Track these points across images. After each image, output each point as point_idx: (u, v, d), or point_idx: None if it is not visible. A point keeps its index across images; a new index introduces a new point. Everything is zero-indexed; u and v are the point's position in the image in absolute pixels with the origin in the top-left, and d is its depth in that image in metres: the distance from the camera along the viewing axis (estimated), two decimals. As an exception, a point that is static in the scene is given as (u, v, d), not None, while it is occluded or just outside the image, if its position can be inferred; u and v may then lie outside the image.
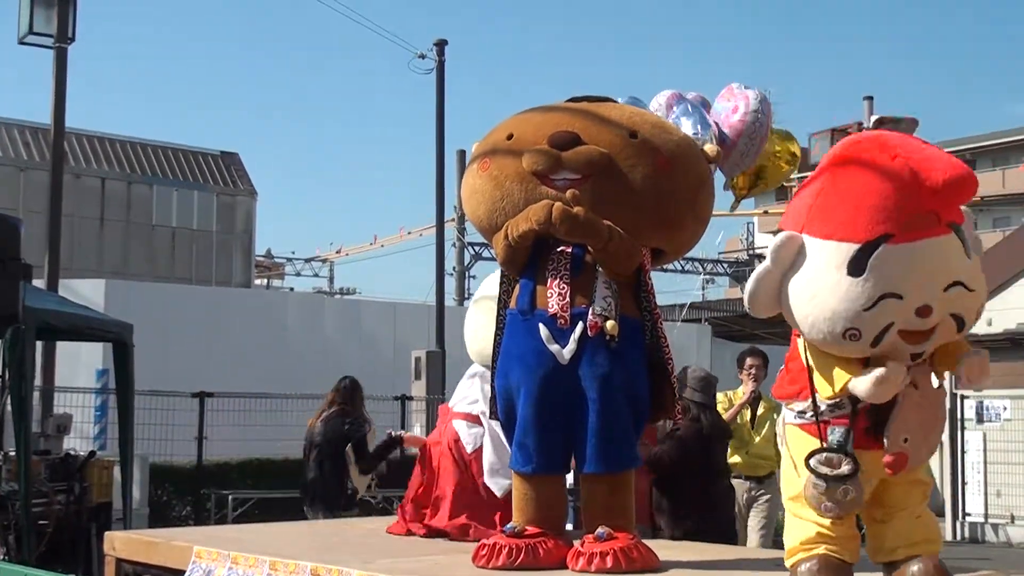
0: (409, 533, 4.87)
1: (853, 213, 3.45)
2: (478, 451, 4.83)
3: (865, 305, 3.38)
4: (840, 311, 3.41)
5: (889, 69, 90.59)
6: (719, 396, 9.09)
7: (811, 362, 3.55)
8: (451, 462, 4.88)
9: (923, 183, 3.38)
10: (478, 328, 4.75)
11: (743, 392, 8.76)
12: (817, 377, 3.54)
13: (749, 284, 3.58)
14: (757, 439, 8.48)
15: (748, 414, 8.55)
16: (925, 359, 3.49)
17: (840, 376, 3.50)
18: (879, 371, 3.41)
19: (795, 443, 3.62)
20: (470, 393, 4.96)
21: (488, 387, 4.18)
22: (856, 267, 3.40)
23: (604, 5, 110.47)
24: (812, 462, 3.49)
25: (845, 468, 3.45)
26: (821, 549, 3.59)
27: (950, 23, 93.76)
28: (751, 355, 9.04)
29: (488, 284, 4.95)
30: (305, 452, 9.02)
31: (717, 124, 4.31)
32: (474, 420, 4.88)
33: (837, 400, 3.52)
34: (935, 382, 3.54)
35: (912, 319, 3.37)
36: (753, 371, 8.75)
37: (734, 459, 8.32)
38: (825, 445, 3.49)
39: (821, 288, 3.46)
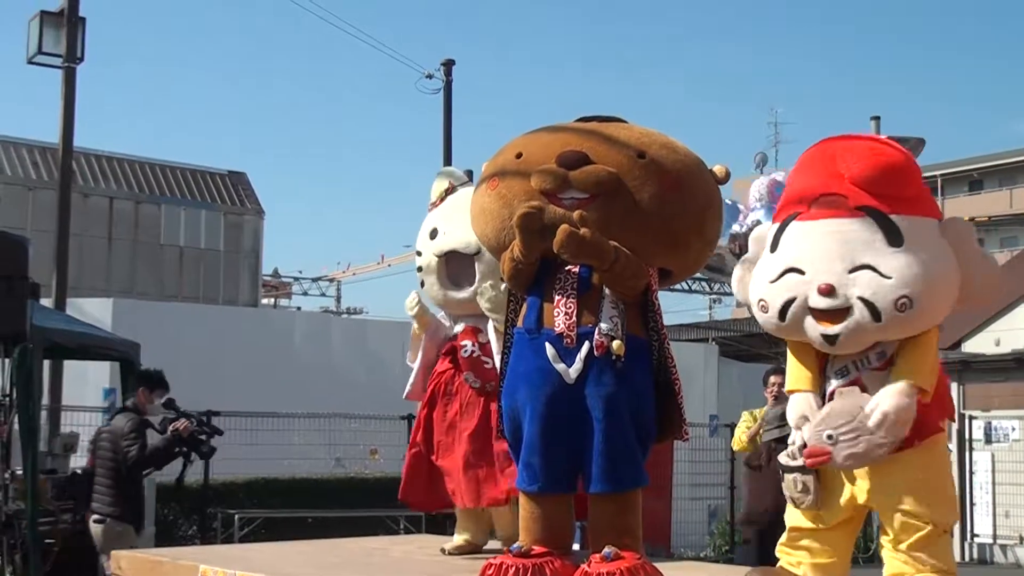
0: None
1: (787, 196, 3.73)
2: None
3: (771, 277, 3.59)
4: (756, 285, 3.67)
5: (896, 89, 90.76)
6: (744, 415, 9.21)
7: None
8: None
9: (834, 168, 3.56)
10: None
11: (767, 410, 8.99)
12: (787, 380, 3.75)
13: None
14: None
15: None
16: (881, 367, 3.54)
17: (788, 382, 3.72)
18: (798, 398, 3.65)
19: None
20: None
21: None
22: (773, 244, 3.65)
23: (613, 26, 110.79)
24: (781, 456, 3.70)
25: (800, 460, 3.59)
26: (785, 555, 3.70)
27: (956, 44, 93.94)
28: (774, 373, 9.17)
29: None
30: None
31: None
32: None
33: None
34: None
35: (816, 297, 3.48)
36: (776, 388, 8.92)
37: None
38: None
39: (756, 268, 3.74)
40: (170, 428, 8.18)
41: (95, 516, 8.22)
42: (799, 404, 3.62)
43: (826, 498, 3.64)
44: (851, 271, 3.45)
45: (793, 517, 3.75)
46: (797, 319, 3.53)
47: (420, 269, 5.01)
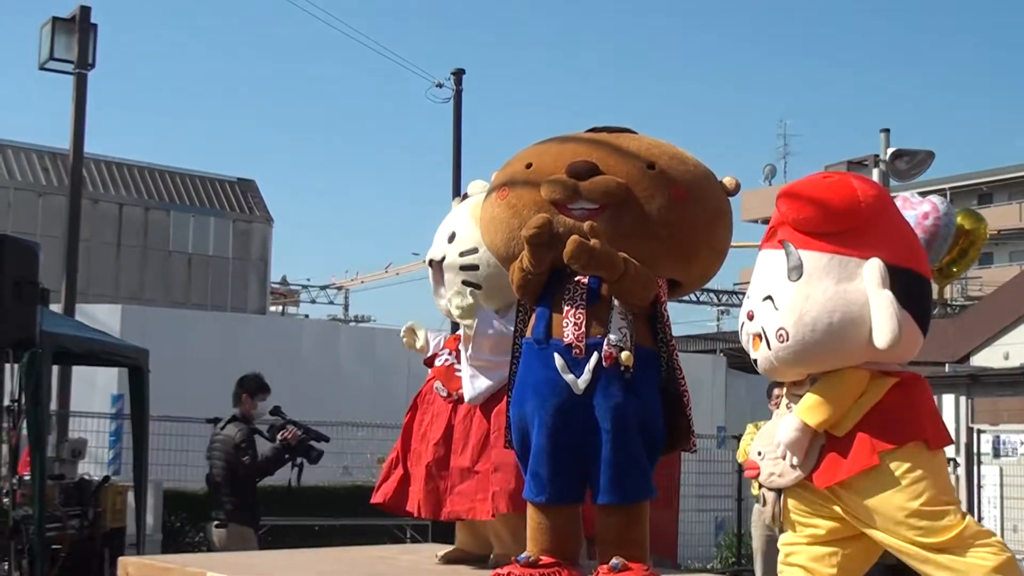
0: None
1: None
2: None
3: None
4: None
5: (905, 102, 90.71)
6: (749, 427, 9.17)
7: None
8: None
9: (777, 203, 3.73)
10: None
11: None
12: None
13: None
14: None
15: None
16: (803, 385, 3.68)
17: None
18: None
19: None
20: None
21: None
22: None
23: (624, 36, 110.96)
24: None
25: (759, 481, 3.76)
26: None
27: (965, 57, 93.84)
28: (778, 386, 9.11)
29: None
30: None
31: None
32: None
33: None
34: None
35: (747, 322, 3.72)
36: (780, 400, 8.85)
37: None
38: None
39: None
40: (278, 437, 8.48)
41: (216, 521, 8.57)
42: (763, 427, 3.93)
43: (800, 515, 3.65)
44: (763, 299, 3.65)
45: (784, 541, 3.77)
46: (745, 341, 3.76)
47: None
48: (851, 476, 3.51)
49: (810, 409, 3.55)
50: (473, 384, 4.72)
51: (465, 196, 5.07)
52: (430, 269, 4.94)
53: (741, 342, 3.79)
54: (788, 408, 3.69)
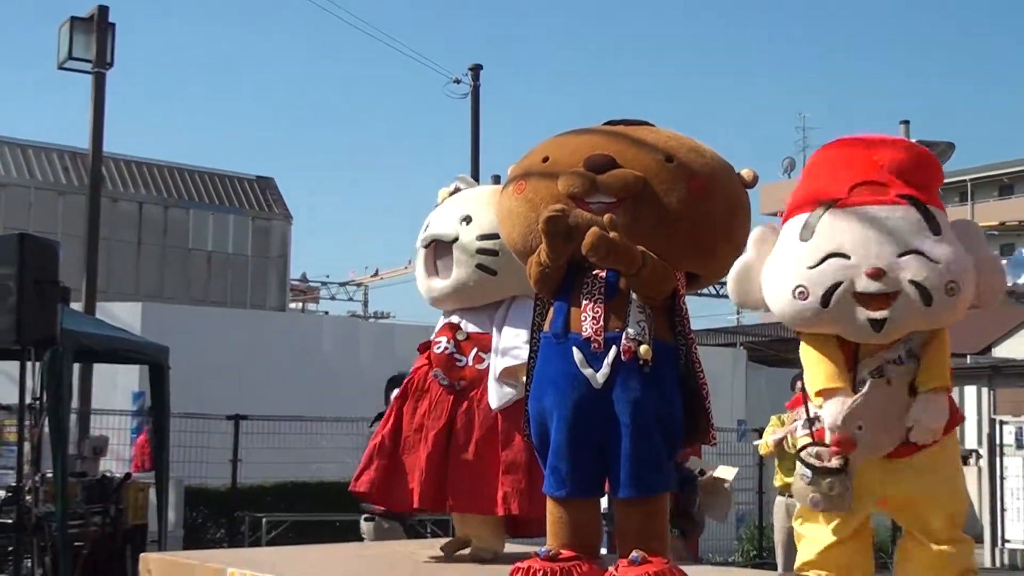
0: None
1: (813, 189, 3.70)
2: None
3: (810, 264, 3.54)
4: (790, 273, 3.60)
5: (925, 94, 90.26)
6: (772, 419, 9.17)
7: (804, 363, 3.71)
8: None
9: (869, 158, 3.60)
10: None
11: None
12: (807, 379, 3.69)
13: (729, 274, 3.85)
14: None
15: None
16: (899, 361, 3.54)
17: (817, 380, 3.64)
18: (838, 400, 3.54)
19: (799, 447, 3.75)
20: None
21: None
22: (806, 232, 3.60)
23: (641, 29, 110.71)
24: (803, 454, 3.63)
25: (834, 462, 3.54)
26: (811, 573, 3.65)
27: (986, 47, 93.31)
28: (801, 379, 9.13)
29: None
30: None
31: None
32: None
33: (820, 407, 3.62)
34: (904, 393, 3.54)
35: (864, 281, 3.45)
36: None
37: (788, 480, 8.63)
38: (815, 441, 3.61)
39: (780, 260, 3.68)
40: None
41: (365, 515, 8.82)
42: (839, 404, 3.56)
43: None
44: (900, 255, 3.45)
45: (811, 535, 3.71)
46: (842, 305, 3.48)
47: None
48: (931, 447, 3.50)
49: (942, 376, 3.51)
50: (501, 390, 4.63)
51: (457, 190, 5.05)
52: (423, 250, 4.89)
53: (821, 305, 3.51)
54: (872, 377, 3.55)
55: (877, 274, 3.43)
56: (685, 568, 3.85)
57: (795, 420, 8.38)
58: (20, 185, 26.19)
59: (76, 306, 12.41)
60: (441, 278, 4.82)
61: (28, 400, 8.42)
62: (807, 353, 3.69)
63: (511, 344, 4.65)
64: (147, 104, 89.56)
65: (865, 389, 3.52)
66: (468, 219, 4.79)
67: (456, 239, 4.75)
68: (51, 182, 26.45)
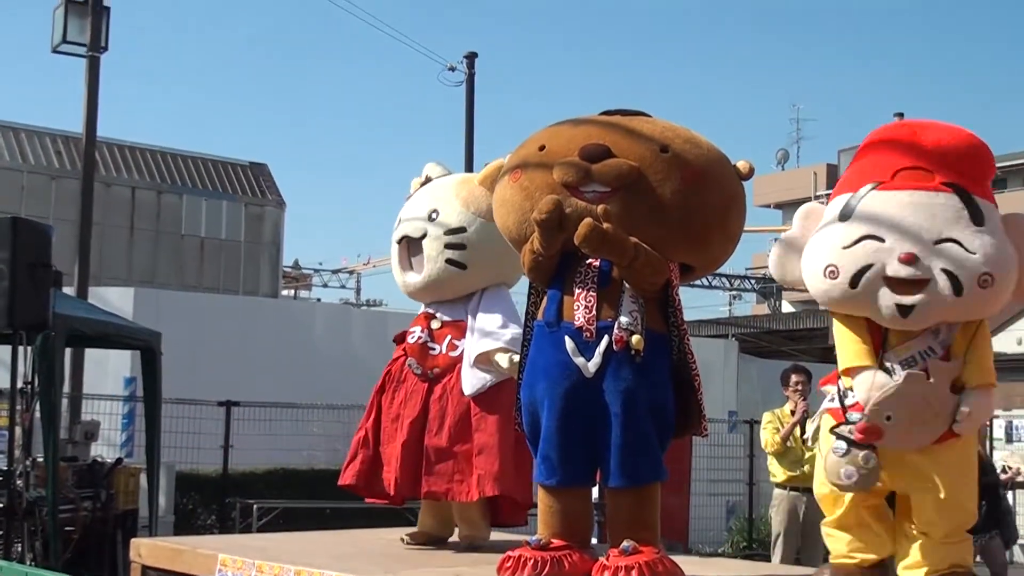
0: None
1: (860, 170, 3.67)
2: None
3: (844, 243, 3.51)
4: (824, 251, 3.56)
5: (919, 86, 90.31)
6: (766, 415, 9.14)
7: (836, 341, 3.65)
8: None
9: (917, 143, 3.55)
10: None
11: (789, 409, 8.97)
12: (838, 357, 3.63)
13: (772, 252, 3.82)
14: (809, 454, 8.63)
15: (799, 431, 8.70)
16: (943, 357, 3.50)
17: (846, 358, 3.58)
18: (868, 374, 3.49)
19: (827, 427, 3.71)
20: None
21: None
22: (845, 212, 3.57)
23: (637, 20, 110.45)
24: (839, 429, 3.57)
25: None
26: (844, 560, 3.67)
27: (979, 41, 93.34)
28: (795, 372, 9.16)
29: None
30: None
31: None
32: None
33: (851, 387, 3.59)
34: (946, 390, 3.50)
35: (896, 265, 3.42)
36: (800, 387, 8.93)
37: (792, 474, 8.75)
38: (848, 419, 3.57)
39: (819, 238, 3.64)
40: None
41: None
42: (870, 379, 3.51)
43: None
44: (936, 243, 3.42)
45: (844, 514, 3.72)
46: (871, 287, 3.46)
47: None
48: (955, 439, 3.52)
49: (990, 372, 3.52)
50: (475, 376, 4.69)
51: (427, 180, 5.08)
52: (396, 247, 4.94)
53: (850, 286, 3.48)
54: (902, 366, 3.51)
55: (910, 259, 3.40)
56: (675, 558, 3.87)
57: (796, 416, 8.32)
58: (13, 169, 26.09)
59: (68, 290, 12.37)
60: (415, 272, 4.89)
61: (20, 384, 8.41)
62: (838, 331, 3.65)
63: (486, 329, 4.72)
64: (141, 89, 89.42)
65: (900, 379, 3.47)
66: (435, 213, 4.86)
67: (424, 236, 4.82)
68: (44, 166, 26.35)
